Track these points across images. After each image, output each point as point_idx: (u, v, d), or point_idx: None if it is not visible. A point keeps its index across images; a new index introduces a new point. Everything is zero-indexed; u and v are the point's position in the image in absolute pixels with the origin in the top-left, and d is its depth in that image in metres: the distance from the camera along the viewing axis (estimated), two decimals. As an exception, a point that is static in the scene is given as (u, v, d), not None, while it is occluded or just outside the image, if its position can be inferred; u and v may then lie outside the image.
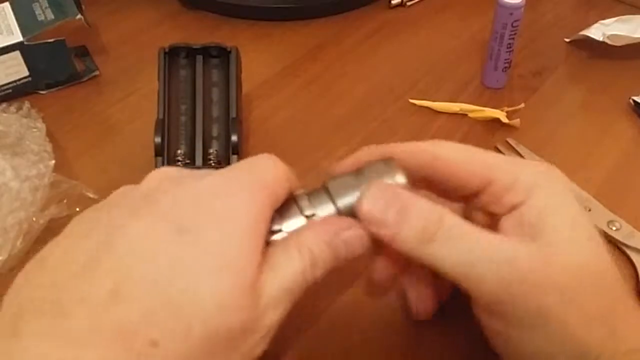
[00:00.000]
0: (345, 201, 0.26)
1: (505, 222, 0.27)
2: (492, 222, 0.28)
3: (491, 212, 0.27)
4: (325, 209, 0.26)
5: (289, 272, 0.24)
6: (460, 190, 0.28)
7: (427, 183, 0.28)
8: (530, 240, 0.25)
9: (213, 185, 0.24)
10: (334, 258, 0.25)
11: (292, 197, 0.26)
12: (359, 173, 0.27)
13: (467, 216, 0.29)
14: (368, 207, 0.25)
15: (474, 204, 0.28)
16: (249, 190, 0.23)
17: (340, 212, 0.26)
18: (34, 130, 0.41)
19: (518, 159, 0.38)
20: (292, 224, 0.26)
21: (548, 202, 0.26)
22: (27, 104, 0.44)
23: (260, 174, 0.24)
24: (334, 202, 0.26)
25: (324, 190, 0.27)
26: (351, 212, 0.26)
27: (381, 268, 0.29)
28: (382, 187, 0.26)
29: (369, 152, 0.28)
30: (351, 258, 0.26)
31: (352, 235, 0.25)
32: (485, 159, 0.27)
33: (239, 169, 0.25)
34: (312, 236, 0.25)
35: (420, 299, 0.31)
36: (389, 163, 0.27)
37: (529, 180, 0.27)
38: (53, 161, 0.39)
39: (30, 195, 0.37)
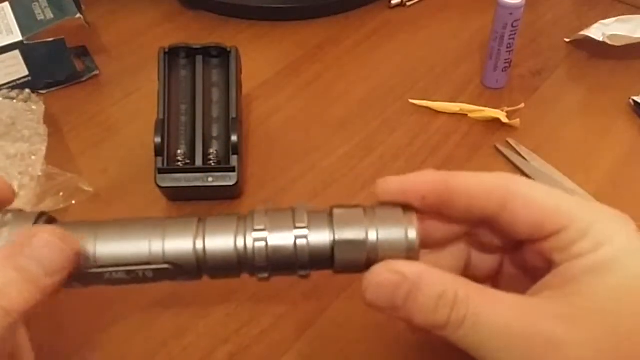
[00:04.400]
0: (343, 234, 0.25)
1: (566, 271, 0.23)
2: (543, 265, 0.25)
3: (550, 258, 0.24)
4: (320, 233, 0.25)
5: None
6: (525, 233, 0.24)
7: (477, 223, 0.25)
8: (588, 313, 0.21)
9: None
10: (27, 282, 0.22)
11: (292, 208, 0.26)
12: (370, 211, 0.25)
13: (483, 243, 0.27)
14: (371, 298, 0.24)
15: (530, 248, 0.25)
16: None
17: (333, 243, 0.25)
18: (28, 112, 0.41)
19: (592, 203, 0.34)
20: (278, 237, 0.25)
21: (626, 262, 0.22)
22: (27, 90, 0.44)
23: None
24: (332, 230, 0.25)
25: (327, 214, 0.26)
26: (345, 247, 0.25)
27: None
28: (384, 272, 0.23)
29: (424, 179, 0.25)
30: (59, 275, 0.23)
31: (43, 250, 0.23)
32: (561, 203, 0.24)
33: None
34: None
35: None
36: (407, 214, 0.25)
37: (605, 229, 0.23)
38: (46, 144, 0.39)
39: (23, 180, 0.36)
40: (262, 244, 0.25)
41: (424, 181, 0.25)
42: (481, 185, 0.24)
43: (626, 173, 0.42)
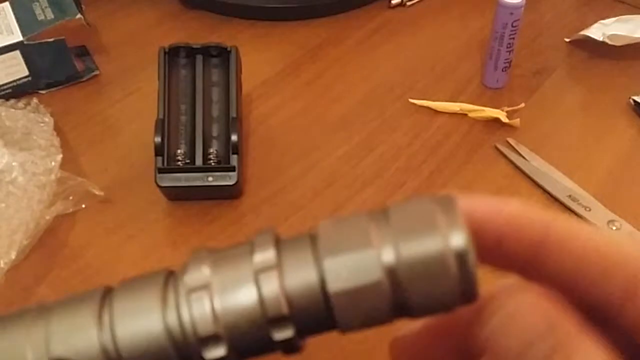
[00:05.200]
0: (335, 265, 0.15)
1: None
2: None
3: None
4: (299, 266, 0.16)
5: None
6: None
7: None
8: None
9: None
10: None
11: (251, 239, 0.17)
12: (380, 216, 0.16)
13: None
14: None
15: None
16: None
17: (324, 279, 0.15)
18: (42, 124, 0.41)
19: None
20: (228, 283, 0.16)
21: None
22: (35, 100, 0.44)
23: None
24: (316, 259, 0.16)
25: (307, 235, 0.16)
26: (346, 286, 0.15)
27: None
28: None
29: (506, 211, 0.16)
30: None
31: None
32: None
33: None
34: None
35: None
36: (446, 203, 0.15)
37: None
38: (61, 155, 0.39)
39: (37, 193, 0.37)
40: (203, 300, 0.16)
41: (506, 214, 0.16)
42: (618, 254, 0.15)
43: (626, 173, 0.42)
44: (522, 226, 0.16)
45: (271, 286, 0.15)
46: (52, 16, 0.46)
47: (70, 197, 0.39)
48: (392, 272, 0.15)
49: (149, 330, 0.16)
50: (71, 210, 0.38)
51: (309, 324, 0.16)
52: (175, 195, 0.39)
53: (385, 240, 0.15)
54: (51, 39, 0.46)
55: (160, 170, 0.38)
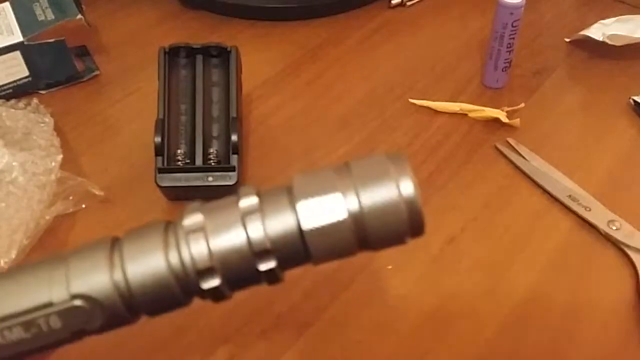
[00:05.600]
0: (308, 207, 0.18)
1: None
2: None
3: None
4: (277, 210, 0.19)
5: None
6: None
7: None
8: None
9: None
10: None
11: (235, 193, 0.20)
12: (343, 168, 0.19)
13: None
14: None
15: None
16: None
17: (298, 219, 0.19)
18: (42, 124, 0.41)
19: None
20: (220, 224, 0.19)
21: None
22: (35, 100, 0.44)
23: None
24: (292, 201, 0.19)
25: (284, 186, 0.20)
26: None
27: None
28: None
29: None
30: None
31: None
32: None
33: None
34: None
35: None
36: (396, 159, 0.19)
37: None
38: (61, 156, 0.39)
39: (37, 193, 0.37)
40: (199, 239, 0.19)
41: None
42: None
43: (626, 173, 0.42)
44: None
45: (256, 226, 0.19)
46: (53, 16, 0.46)
47: (71, 197, 0.39)
48: (354, 213, 0.18)
49: (154, 267, 0.19)
50: (71, 210, 0.38)
51: (288, 257, 0.19)
52: (175, 195, 0.39)
53: (348, 187, 0.18)
54: (51, 39, 0.46)
55: (160, 170, 0.38)
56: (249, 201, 0.19)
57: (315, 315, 0.34)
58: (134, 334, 0.33)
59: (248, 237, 0.19)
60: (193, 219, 0.19)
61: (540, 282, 0.35)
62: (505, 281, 0.35)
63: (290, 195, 0.19)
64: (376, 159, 0.19)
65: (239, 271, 0.19)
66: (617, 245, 0.37)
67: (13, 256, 0.35)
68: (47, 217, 0.37)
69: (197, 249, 0.19)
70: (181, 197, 0.40)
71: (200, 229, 0.19)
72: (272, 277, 0.20)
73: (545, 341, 0.33)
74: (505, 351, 0.33)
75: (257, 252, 0.19)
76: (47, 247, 0.37)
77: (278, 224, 0.19)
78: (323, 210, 0.18)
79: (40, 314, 0.19)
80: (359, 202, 0.18)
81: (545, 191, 0.40)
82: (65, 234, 0.38)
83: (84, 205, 0.39)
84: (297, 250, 0.19)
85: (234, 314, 0.34)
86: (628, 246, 0.36)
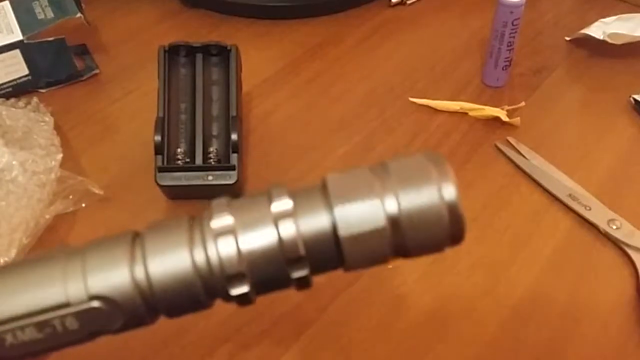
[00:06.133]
0: (345, 213, 0.17)
1: None
2: None
3: None
4: (312, 212, 0.18)
5: None
6: None
7: None
8: None
9: None
10: None
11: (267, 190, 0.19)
12: (380, 169, 0.19)
13: None
14: None
15: None
16: None
17: (335, 222, 0.18)
18: (42, 123, 0.42)
19: None
20: (251, 226, 0.18)
21: None
22: (35, 99, 0.44)
23: None
24: (327, 208, 0.18)
25: (319, 186, 0.19)
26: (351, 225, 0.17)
27: None
28: None
29: None
30: None
31: None
32: None
33: None
34: None
35: None
36: (436, 160, 0.18)
37: None
38: (61, 154, 0.39)
39: (37, 192, 0.37)
40: (229, 243, 0.18)
41: None
42: None
43: (626, 172, 0.42)
44: None
45: (289, 231, 0.18)
46: (52, 15, 0.46)
47: (70, 196, 0.39)
48: (393, 219, 0.17)
49: (179, 267, 0.18)
50: (71, 209, 0.38)
51: (321, 263, 0.18)
52: (175, 194, 0.39)
53: (387, 191, 0.17)
54: (51, 38, 0.46)
55: (160, 169, 0.38)
56: (282, 204, 0.18)
57: (315, 315, 0.34)
58: (134, 333, 0.33)
59: (281, 242, 0.18)
60: (222, 220, 0.18)
61: (540, 281, 0.35)
62: (505, 281, 0.35)
63: (326, 199, 0.18)
64: (415, 159, 0.18)
65: (270, 277, 0.18)
66: (617, 245, 0.37)
67: (13, 255, 0.35)
68: (47, 216, 0.37)
69: (226, 253, 0.18)
70: (181, 196, 0.40)
71: (230, 232, 0.18)
72: (303, 283, 0.19)
73: (545, 341, 0.33)
74: (505, 351, 0.33)
75: (291, 258, 0.18)
76: (47, 246, 0.37)
77: (313, 229, 0.18)
78: (362, 216, 0.17)
79: (56, 315, 0.17)
80: (399, 207, 0.17)
81: (545, 190, 0.40)
82: (65, 232, 0.38)
83: (84, 204, 0.39)
84: (331, 256, 0.18)
85: (234, 314, 0.34)
86: (628, 245, 0.36)
